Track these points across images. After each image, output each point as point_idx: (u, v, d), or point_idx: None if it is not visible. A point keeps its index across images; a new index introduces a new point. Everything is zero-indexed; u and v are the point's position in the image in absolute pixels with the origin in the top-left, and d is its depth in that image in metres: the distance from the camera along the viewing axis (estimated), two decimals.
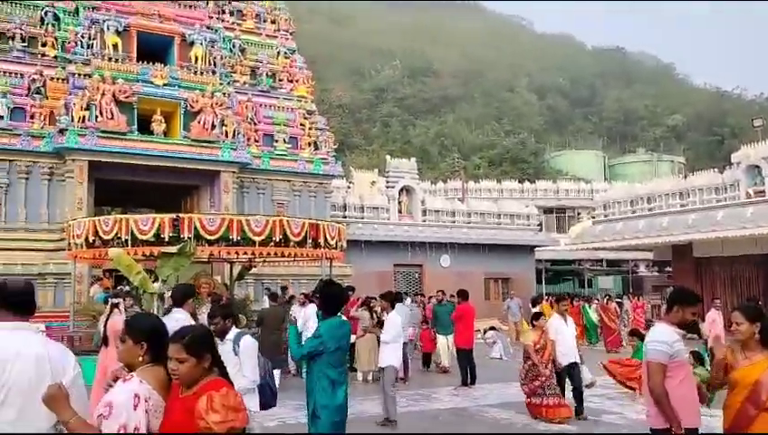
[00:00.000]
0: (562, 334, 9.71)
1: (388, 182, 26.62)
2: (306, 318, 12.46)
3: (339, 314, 6.17)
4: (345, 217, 23.82)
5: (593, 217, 33.45)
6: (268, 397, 5.87)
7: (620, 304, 24.00)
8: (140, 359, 3.04)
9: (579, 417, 9.57)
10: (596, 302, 22.75)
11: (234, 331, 5.76)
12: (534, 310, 11.79)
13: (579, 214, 43.74)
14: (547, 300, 21.71)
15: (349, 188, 31.13)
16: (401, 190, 26.14)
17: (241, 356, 5.54)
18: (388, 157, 30.19)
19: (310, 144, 22.35)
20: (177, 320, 5.77)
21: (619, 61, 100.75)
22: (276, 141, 21.76)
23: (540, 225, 32.58)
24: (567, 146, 68.28)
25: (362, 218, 25.02)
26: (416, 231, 25.86)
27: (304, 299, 13.77)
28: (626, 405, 10.78)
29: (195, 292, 7.84)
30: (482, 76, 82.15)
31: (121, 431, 2.78)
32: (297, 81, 22.86)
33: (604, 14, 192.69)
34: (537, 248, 29.77)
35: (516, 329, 21.75)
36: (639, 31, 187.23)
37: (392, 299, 10.32)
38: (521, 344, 19.92)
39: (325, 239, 13.80)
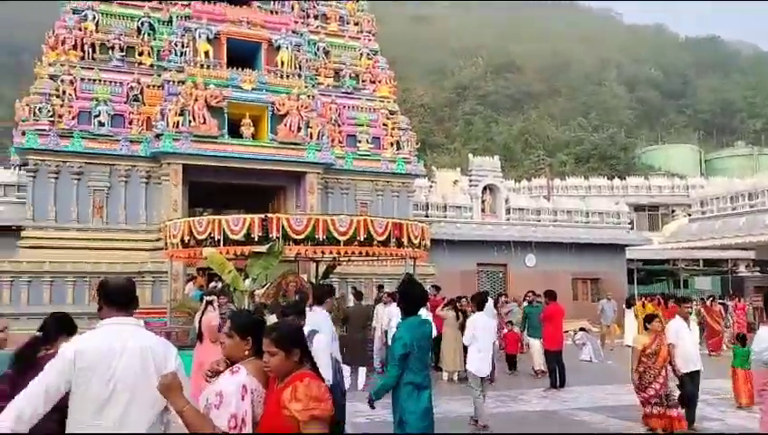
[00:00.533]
0: (683, 339, 8.83)
1: (470, 181, 26.35)
2: (390, 317, 12.50)
3: (419, 313, 6.12)
4: (428, 217, 23.77)
5: (689, 215, 31.92)
6: (338, 397, 5.94)
7: (724, 306, 22.70)
8: (246, 353, 3.24)
9: (690, 427, 8.87)
10: (697, 303, 21.66)
11: (307, 328, 5.85)
12: (629, 311, 11.28)
13: (673, 211, 41.83)
14: (640, 300, 20.85)
15: (431, 187, 31.07)
16: (484, 189, 25.82)
17: (314, 354, 5.61)
18: (470, 155, 29.89)
19: (392, 144, 22.45)
20: (318, 317, 6.46)
21: (714, 50, 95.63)
22: (359, 142, 21.99)
23: (631, 223, 31.38)
24: (659, 140, 65.50)
25: (445, 218, 24.90)
26: (499, 230, 25.47)
27: (388, 298, 13.81)
28: (727, 411, 10.19)
29: (333, 292, 8.38)
30: (567, 70, 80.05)
31: (231, 420, 2.95)
32: (380, 81, 23.01)
33: (698, 4, 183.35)
34: (628, 247, 28.66)
35: (607, 331, 21.00)
36: (737, 18, 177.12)
37: (479, 301, 10.20)
38: (611, 346, 19.40)
39: (408, 239, 13.80)
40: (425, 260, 17.96)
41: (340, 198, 21.48)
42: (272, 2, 21.37)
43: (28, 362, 3.78)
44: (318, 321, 6.55)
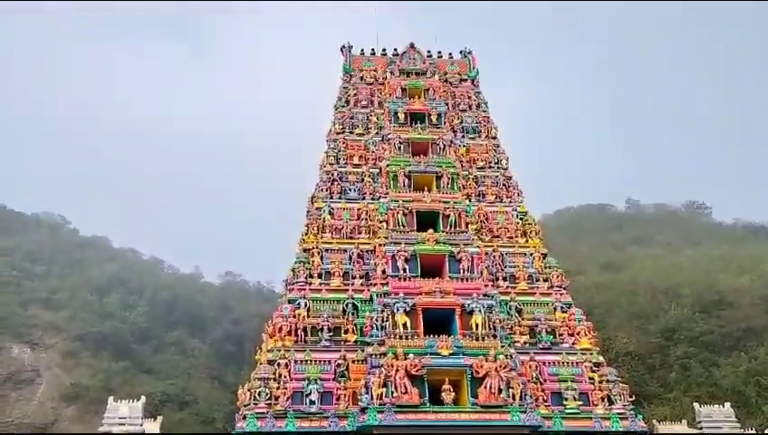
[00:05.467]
0: None
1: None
2: None
3: None
4: None
5: None
6: None
7: None
8: None
9: None
10: None
11: None
12: None
13: None
14: None
15: None
16: None
17: None
18: (695, 405, 26.68)
19: (603, 399, 20.87)
20: None
21: None
22: (566, 399, 20.76)
23: None
24: None
25: None
26: None
27: None
28: None
29: None
30: None
31: None
32: (578, 334, 22.35)
33: None
34: None
35: None
36: None
37: None
38: None
39: None
40: None
41: None
42: (461, 271, 22.53)
43: None
44: None
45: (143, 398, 22.94)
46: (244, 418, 19.53)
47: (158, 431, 23.56)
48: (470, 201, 25.47)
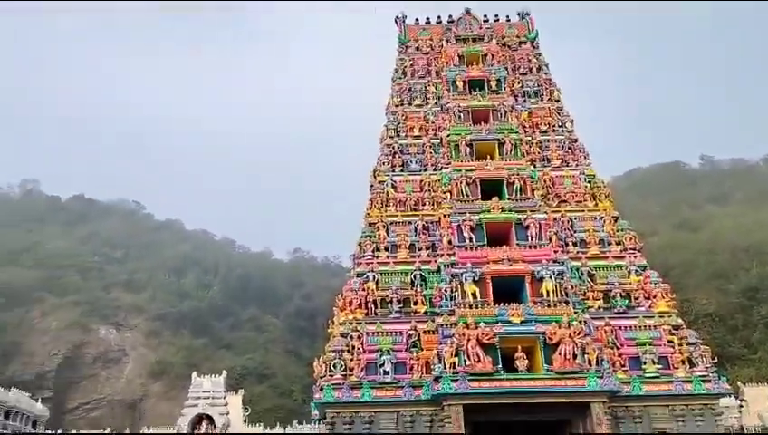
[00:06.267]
0: None
1: None
2: None
3: None
4: None
5: None
6: None
7: None
8: None
9: None
10: None
11: None
12: None
13: None
14: None
15: (741, 406, 26.78)
16: None
17: None
18: None
19: (683, 362, 20.31)
20: None
21: None
22: (644, 363, 20.31)
23: None
24: None
25: None
26: None
27: None
28: None
29: None
30: None
31: None
32: (654, 296, 21.74)
33: None
34: None
35: None
36: None
37: None
38: None
39: None
40: None
41: (633, 428, 19.43)
42: (529, 238, 22.22)
43: None
44: None
45: (224, 372, 23.85)
46: (321, 389, 20.02)
47: (240, 404, 24.49)
48: (534, 167, 24.95)
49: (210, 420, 21.67)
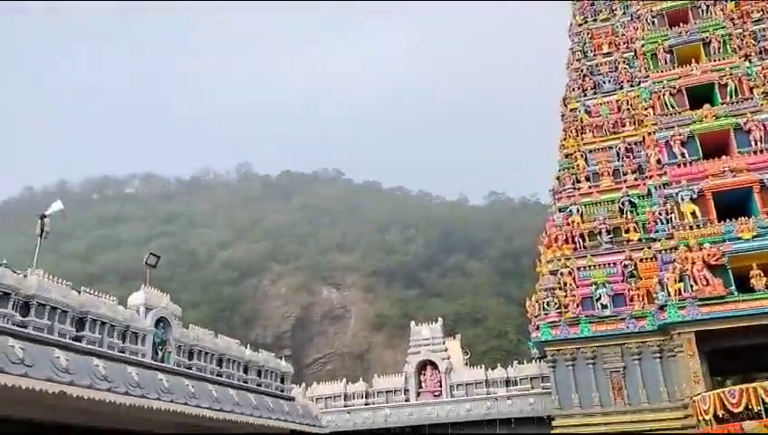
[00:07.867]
0: None
1: None
2: None
3: None
4: None
5: None
6: None
7: None
8: None
9: None
10: None
11: None
12: None
13: None
14: None
15: None
16: None
17: None
18: None
19: None
20: None
21: None
22: None
23: None
24: None
25: None
26: None
27: None
28: None
29: None
30: None
31: None
32: None
33: None
34: None
35: None
36: None
37: None
38: None
39: None
40: None
41: None
42: (753, 143, 19.78)
43: None
44: None
45: (440, 319, 24.56)
46: (538, 328, 19.86)
47: (459, 348, 25.18)
48: (750, 62, 21.97)
49: (434, 365, 22.59)
